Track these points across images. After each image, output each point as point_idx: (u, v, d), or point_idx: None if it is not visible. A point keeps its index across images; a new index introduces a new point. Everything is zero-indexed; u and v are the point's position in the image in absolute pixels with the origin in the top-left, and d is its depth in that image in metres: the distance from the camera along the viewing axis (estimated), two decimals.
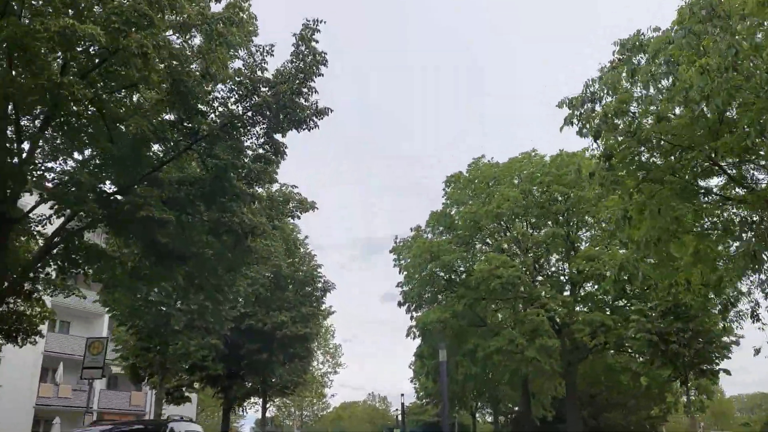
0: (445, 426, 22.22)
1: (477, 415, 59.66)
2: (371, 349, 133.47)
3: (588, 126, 11.28)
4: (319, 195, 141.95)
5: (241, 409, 36.27)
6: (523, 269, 24.96)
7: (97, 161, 13.06)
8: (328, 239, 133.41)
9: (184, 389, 28.69)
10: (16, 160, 11.98)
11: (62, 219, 13.47)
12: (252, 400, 67.53)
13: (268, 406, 72.86)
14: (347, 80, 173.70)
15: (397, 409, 65.91)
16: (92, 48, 10.74)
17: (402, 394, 46.83)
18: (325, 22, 12.60)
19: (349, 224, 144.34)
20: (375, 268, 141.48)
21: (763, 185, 11.60)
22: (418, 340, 32.44)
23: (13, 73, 10.72)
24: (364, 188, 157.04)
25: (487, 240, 28.33)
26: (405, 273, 31.05)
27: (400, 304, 31.50)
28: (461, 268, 28.42)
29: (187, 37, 11.85)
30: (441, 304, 27.99)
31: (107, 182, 13.29)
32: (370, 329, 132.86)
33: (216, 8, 12.22)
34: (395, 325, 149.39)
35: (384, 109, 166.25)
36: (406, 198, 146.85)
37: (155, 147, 13.40)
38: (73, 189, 11.65)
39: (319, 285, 31.94)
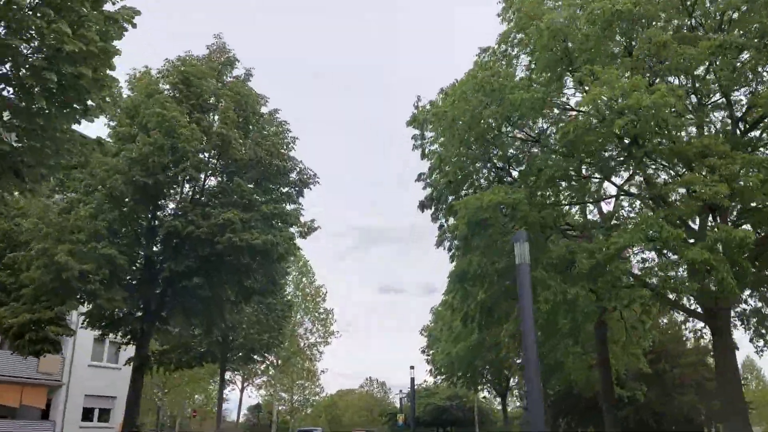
0: (533, 402, 9.74)
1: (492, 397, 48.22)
2: (368, 340, 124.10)
3: None
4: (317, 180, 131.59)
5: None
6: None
7: None
8: (324, 227, 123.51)
9: (46, 328, 16.56)
10: None
11: None
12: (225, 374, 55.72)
13: (245, 384, 61.41)
14: (345, 61, 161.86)
15: (401, 391, 54.56)
16: None
17: (412, 367, 35.19)
18: None
19: (345, 213, 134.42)
20: (372, 258, 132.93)
21: None
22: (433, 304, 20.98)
23: None
24: (362, 177, 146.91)
25: (590, 60, 15.77)
26: (431, 156, 19.00)
27: (423, 206, 19.46)
28: (539, 126, 16.41)
29: None
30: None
31: None
32: (366, 320, 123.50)
33: None
34: (393, 316, 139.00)
35: (385, 91, 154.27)
36: (407, 189, 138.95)
37: None
38: None
39: (293, 175, 19.87)
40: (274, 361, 49.27)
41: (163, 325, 20.27)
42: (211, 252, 18.46)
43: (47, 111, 9.40)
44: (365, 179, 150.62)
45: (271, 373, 51.60)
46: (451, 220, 17.90)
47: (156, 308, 19.25)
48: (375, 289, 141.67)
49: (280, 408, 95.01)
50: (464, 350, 28.84)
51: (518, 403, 50.55)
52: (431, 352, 39.92)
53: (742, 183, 12.68)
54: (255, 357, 30.60)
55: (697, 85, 14.88)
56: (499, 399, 74.25)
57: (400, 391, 52.83)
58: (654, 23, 14.81)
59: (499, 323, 18.82)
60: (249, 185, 18.86)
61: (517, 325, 20.80)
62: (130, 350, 34.76)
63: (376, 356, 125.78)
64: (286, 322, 32.59)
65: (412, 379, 36.26)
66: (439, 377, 39.40)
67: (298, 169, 19.77)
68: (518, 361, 32.19)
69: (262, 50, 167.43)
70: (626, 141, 14.19)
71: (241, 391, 57.46)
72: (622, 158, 15.18)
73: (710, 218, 14.02)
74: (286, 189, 19.90)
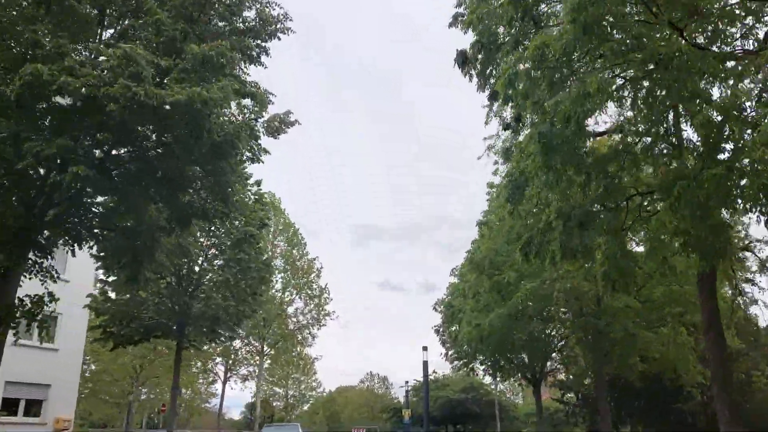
0: None
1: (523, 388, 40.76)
2: (368, 338, 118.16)
3: None
4: (315, 178, 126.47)
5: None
6: None
7: None
8: (322, 224, 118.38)
9: None
10: None
11: None
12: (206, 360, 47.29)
13: (228, 375, 53.93)
14: (348, 57, 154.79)
15: (407, 383, 47.20)
16: None
17: (425, 347, 27.84)
18: None
19: (344, 209, 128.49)
20: (372, 255, 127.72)
21: None
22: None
23: None
24: (363, 173, 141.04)
25: None
26: None
27: (463, 60, 11.93)
28: None
29: None
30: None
31: None
32: (365, 317, 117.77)
33: None
34: (393, 314, 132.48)
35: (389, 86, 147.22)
36: (408, 186, 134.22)
37: None
38: None
39: (249, 15, 12.27)
40: (258, 345, 41.94)
41: (43, 258, 12.72)
42: (116, 132, 11.02)
43: None
44: (364, 178, 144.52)
45: (255, 360, 44.24)
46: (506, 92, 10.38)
47: (25, 228, 11.74)
48: (374, 286, 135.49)
49: (275, 404, 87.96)
50: (499, 320, 21.47)
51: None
52: (446, 333, 32.45)
53: None
54: (220, 331, 23.08)
55: None
56: (511, 391, 66.44)
57: (406, 382, 45.32)
58: None
59: (587, 253, 11.22)
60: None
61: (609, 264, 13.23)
62: (74, 324, 27.48)
63: (376, 354, 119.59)
64: (265, 287, 25.07)
65: (425, 363, 28.90)
66: (456, 362, 32.05)
67: (258, 5, 12.16)
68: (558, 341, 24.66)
69: None
70: None
71: (224, 382, 50.12)
72: None
73: None
74: (238, 38, 12.31)
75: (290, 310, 42.55)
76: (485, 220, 24.07)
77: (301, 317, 42.96)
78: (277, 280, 43.28)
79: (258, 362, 43.63)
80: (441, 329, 32.72)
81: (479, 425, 48.70)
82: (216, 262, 23.59)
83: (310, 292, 42.84)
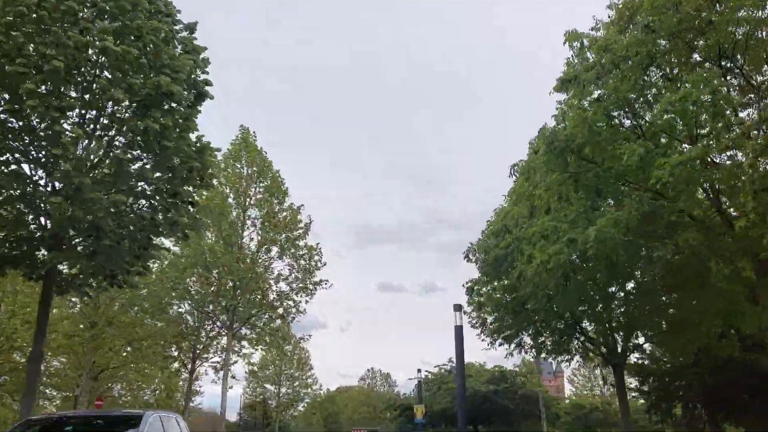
0: None
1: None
2: (366, 339, 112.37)
3: None
4: (316, 177, 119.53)
5: None
6: None
7: None
8: (323, 225, 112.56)
9: None
10: None
11: None
12: None
13: (197, 365, 43.98)
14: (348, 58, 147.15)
15: (419, 371, 37.39)
16: None
17: (458, 307, 17.92)
18: None
19: (345, 211, 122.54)
20: (371, 256, 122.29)
21: None
22: None
23: None
24: (363, 174, 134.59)
25: None
26: None
27: None
28: None
29: None
30: None
31: None
32: (365, 318, 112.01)
33: None
34: (393, 315, 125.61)
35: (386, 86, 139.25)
36: (408, 186, 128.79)
37: None
38: None
39: None
40: (226, 318, 31.87)
41: None
42: None
43: None
44: (361, 178, 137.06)
45: (222, 344, 34.34)
46: None
47: None
48: (374, 287, 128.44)
49: (269, 402, 78.43)
50: (614, 230, 11.35)
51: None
52: (484, 290, 21.97)
53: None
54: (111, 256, 13.05)
55: None
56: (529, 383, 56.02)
57: (418, 371, 35.56)
58: None
59: None
60: None
61: None
62: None
63: (376, 356, 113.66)
64: (197, 188, 14.92)
65: (458, 328, 18.77)
66: (495, 336, 21.94)
67: None
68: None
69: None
70: None
71: (191, 372, 39.99)
72: None
73: None
74: None
75: (268, 274, 32.45)
76: (574, 75, 13.98)
77: (283, 284, 32.81)
78: (252, 238, 33.39)
79: (226, 345, 33.53)
80: (476, 287, 22.38)
81: (509, 424, 38.61)
82: (107, 136, 13.55)
83: (294, 251, 32.67)
